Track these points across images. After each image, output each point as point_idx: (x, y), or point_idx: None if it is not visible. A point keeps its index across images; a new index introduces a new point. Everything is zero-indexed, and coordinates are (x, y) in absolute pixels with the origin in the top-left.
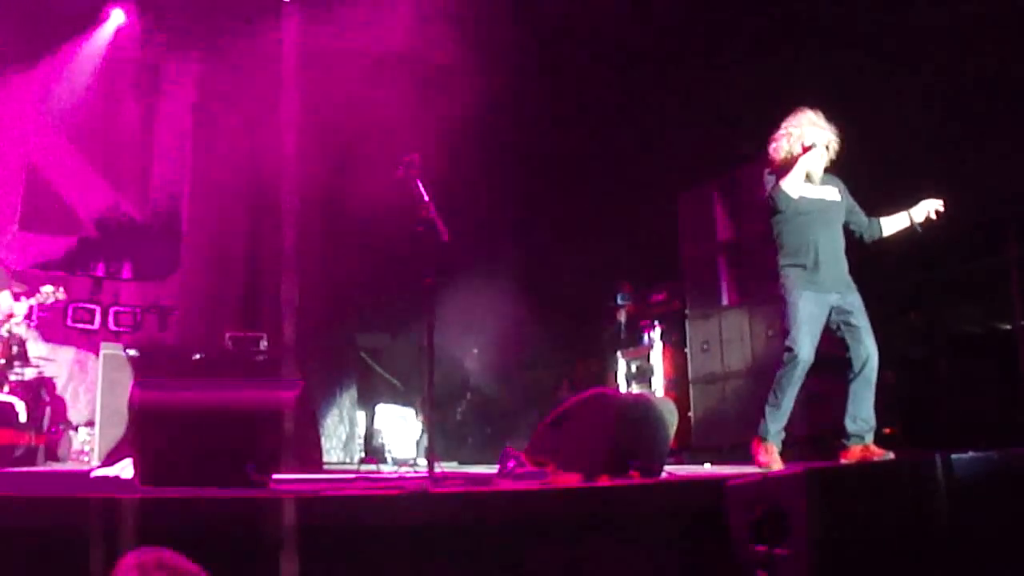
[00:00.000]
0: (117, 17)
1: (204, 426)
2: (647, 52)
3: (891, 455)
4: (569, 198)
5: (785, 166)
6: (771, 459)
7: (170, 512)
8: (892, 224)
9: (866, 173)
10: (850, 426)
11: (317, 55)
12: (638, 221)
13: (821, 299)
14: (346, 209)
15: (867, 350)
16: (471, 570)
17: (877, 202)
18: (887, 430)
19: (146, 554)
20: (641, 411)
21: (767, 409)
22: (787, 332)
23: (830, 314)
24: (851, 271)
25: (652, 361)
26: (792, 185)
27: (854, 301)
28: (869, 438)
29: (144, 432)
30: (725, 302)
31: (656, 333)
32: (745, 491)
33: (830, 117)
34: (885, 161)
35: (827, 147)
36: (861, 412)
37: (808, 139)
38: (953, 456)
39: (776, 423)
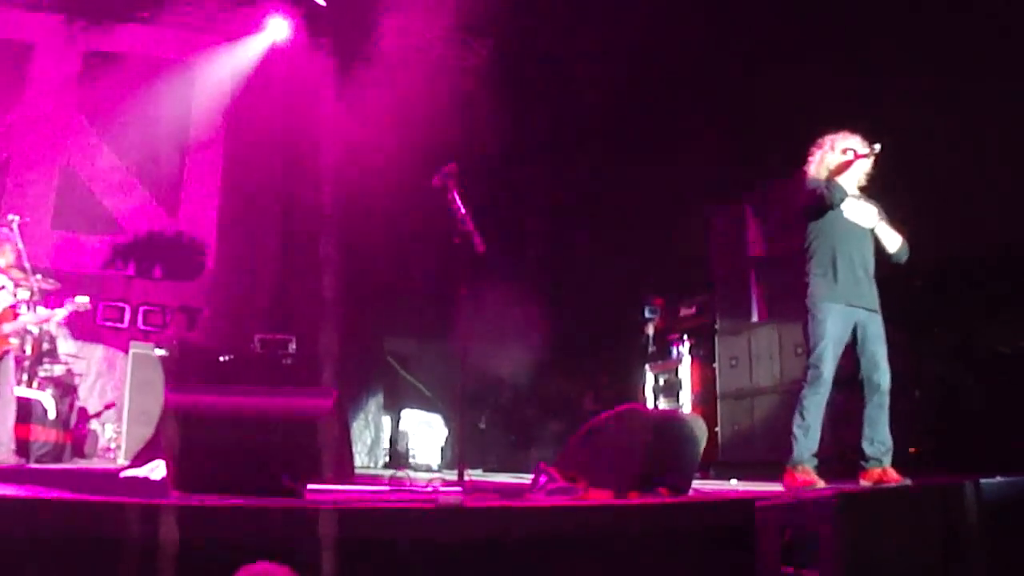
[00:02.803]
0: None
1: (238, 433)
2: (682, 68)
3: (908, 481)
4: (601, 210)
5: (838, 170)
6: (809, 481)
7: (202, 520)
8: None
9: (896, 190)
10: (868, 449)
11: (352, 59)
12: (669, 235)
13: (848, 315)
14: (377, 213)
15: (882, 376)
16: None
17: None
18: (913, 450)
19: (255, 568)
20: (672, 428)
21: (796, 432)
22: (811, 349)
23: (852, 332)
24: (879, 288)
25: (680, 375)
26: (848, 181)
27: (876, 327)
28: (887, 460)
29: (178, 437)
30: (755, 318)
31: (685, 347)
32: (775, 513)
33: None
34: (915, 178)
35: (848, 148)
36: (878, 435)
37: (845, 146)
38: (983, 481)
39: (807, 445)
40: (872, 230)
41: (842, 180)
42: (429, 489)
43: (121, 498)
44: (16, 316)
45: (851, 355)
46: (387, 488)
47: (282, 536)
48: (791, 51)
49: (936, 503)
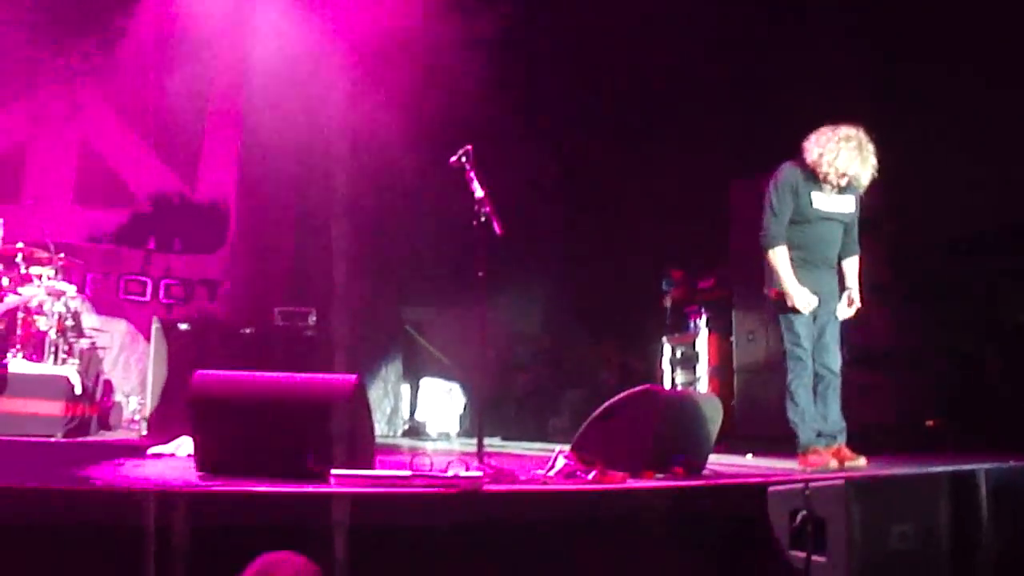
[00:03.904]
0: None
1: (261, 417)
2: (704, 39)
3: (862, 460)
4: (622, 182)
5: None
6: (822, 461)
7: (221, 507)
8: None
9: (916, 160)
10: (823, 427)
11: (369, 27)
12: (690, 206)
13: (813, 296)
14: (394, 183)
15: (833, 359)
16: (522, 569)
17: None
18: (930, 422)
19: (272, 557)
20: (686, 409)
21: (793, 419)
22: (785, 335)
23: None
24: (897, 257)
25: (697, 348)
26: (769, 245)
27: (833, 305)
28: (842, 438)
29: (203, 421)
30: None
31: (703, 320)
32: (786, 497)
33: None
34: (935, 147)
35: (846, 175)
36: (830, 414)
37: (836, 159)
38: (993, 467)
39: (808, 428)
40: (849, 221)
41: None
42: (450, 474)
43: (137, 486)
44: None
45: (868, 329)
46: (408, 473)
47: (302, 522)
48: (816, 25)
49: (946, 490)
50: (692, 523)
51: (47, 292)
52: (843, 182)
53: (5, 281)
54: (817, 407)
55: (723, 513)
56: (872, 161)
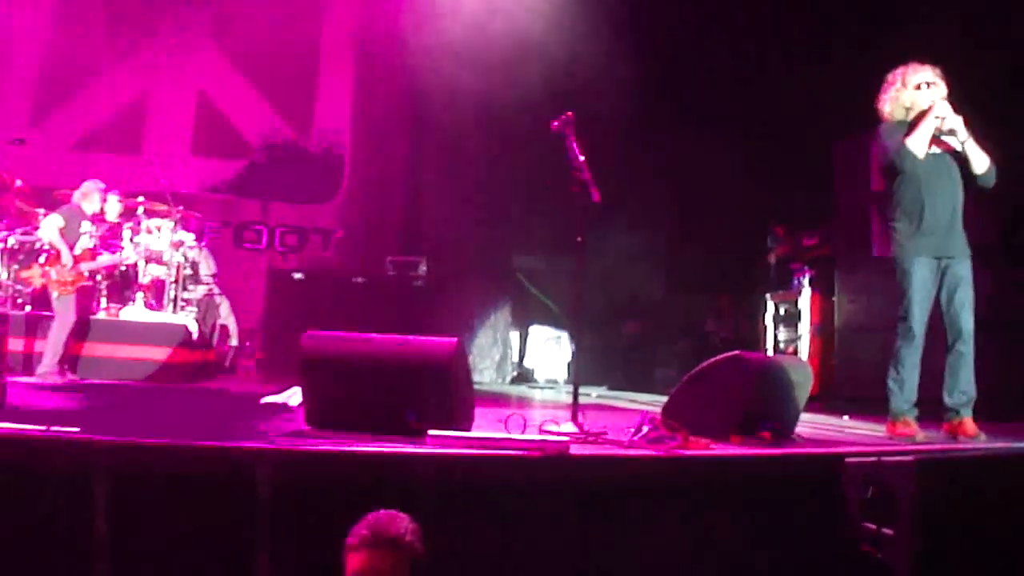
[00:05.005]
0: None
1: (367, 377)
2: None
3: (982, 436)
4: (730, 136)
5: (913, 124)
6: (909, 432)
7: (328, 465)
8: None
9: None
10: (947, 400)
11: None
12: (798, 162)
13: (933, 264)
14: (505, 132)
15: (965, 324)
16: (606, 530)
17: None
18: None
19: (379, 515)
20: (776, 375)
21: (891, 385)
22: (900, 300)
23: (939, 278)
24: (1006, 220)
25: (800, 306)
26: (918, 144)
27: (963, 272)
28: (966, 412)
29: (312, 379)
30: (876, 253)
31: (806, 278)
32: (860, 470)
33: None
34: None
35: (924, 83)
36: (959, 385)
37: (917, 80)
38: None
39: (905, 398)
40: (962, 150)
41: (932, 125)
42: (538, 437)
43: (250, 444)
44: (94, 257)
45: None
46: (499, 436)
47: (397, 479)
48: None
49: (1015, 469)
50: (770, 490)
51: (141, 251)
52: (928, 102)
53: (86, 239)
54: (946, 378)
55: (801, 481)
56: (920, 67)
